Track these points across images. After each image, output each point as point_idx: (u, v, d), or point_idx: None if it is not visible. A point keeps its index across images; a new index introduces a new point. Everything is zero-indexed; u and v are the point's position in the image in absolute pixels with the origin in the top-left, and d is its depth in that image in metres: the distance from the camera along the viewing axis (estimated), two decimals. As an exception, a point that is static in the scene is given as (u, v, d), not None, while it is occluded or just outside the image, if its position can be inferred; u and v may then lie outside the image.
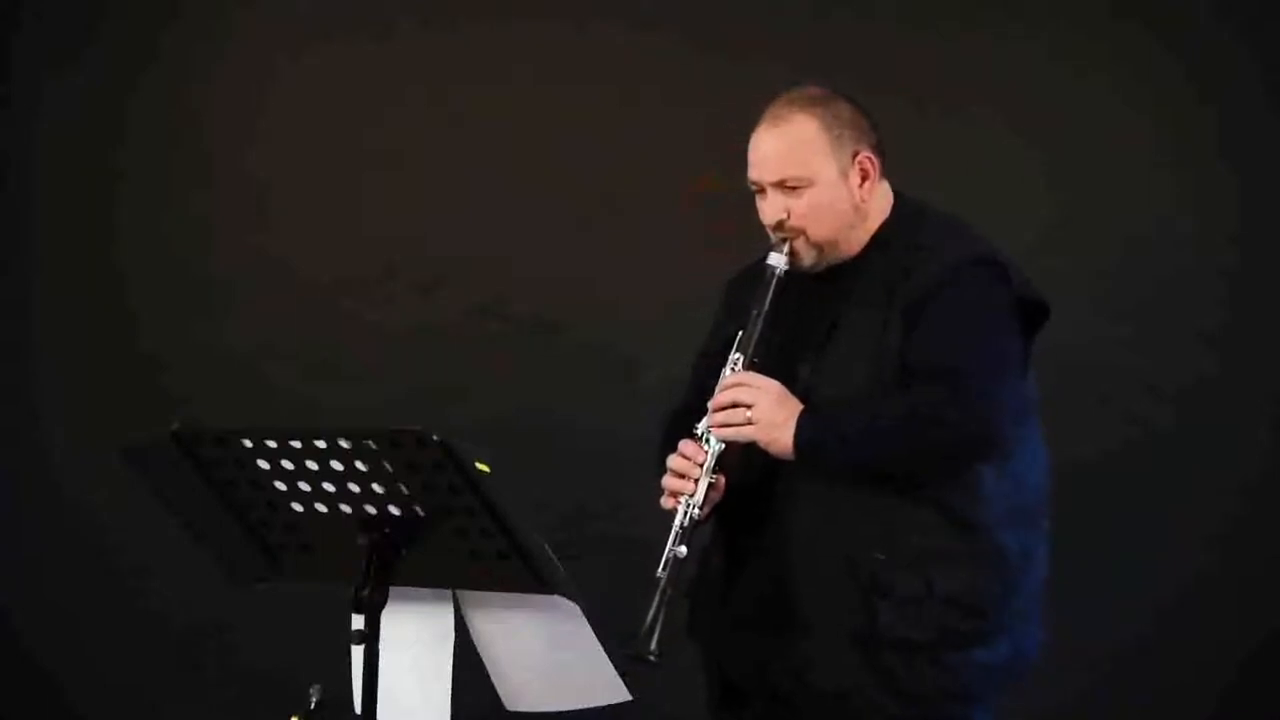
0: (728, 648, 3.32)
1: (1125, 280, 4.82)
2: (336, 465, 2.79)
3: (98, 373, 5.31)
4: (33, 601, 5.29)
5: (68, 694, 5.29)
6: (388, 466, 2.77)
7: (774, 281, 3.25)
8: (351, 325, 5.20)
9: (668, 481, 3.23)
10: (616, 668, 2.95)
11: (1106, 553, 4.64)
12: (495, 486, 2.74)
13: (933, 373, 3.13)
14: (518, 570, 2.82)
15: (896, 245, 3.26)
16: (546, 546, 2.82)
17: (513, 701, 3.04)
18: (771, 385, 3.19)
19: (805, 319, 3.27)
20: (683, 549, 3.16)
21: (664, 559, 3.16)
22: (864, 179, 3.27)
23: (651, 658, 3.08)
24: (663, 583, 3.14)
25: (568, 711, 3.04)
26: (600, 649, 2.93)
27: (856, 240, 3.29)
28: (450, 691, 2.97)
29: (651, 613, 3.11)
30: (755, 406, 3.17)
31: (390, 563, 2.82)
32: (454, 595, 2.98)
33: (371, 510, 2.82)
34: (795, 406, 3.17)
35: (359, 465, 2.78)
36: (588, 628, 2.91)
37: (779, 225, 3.26)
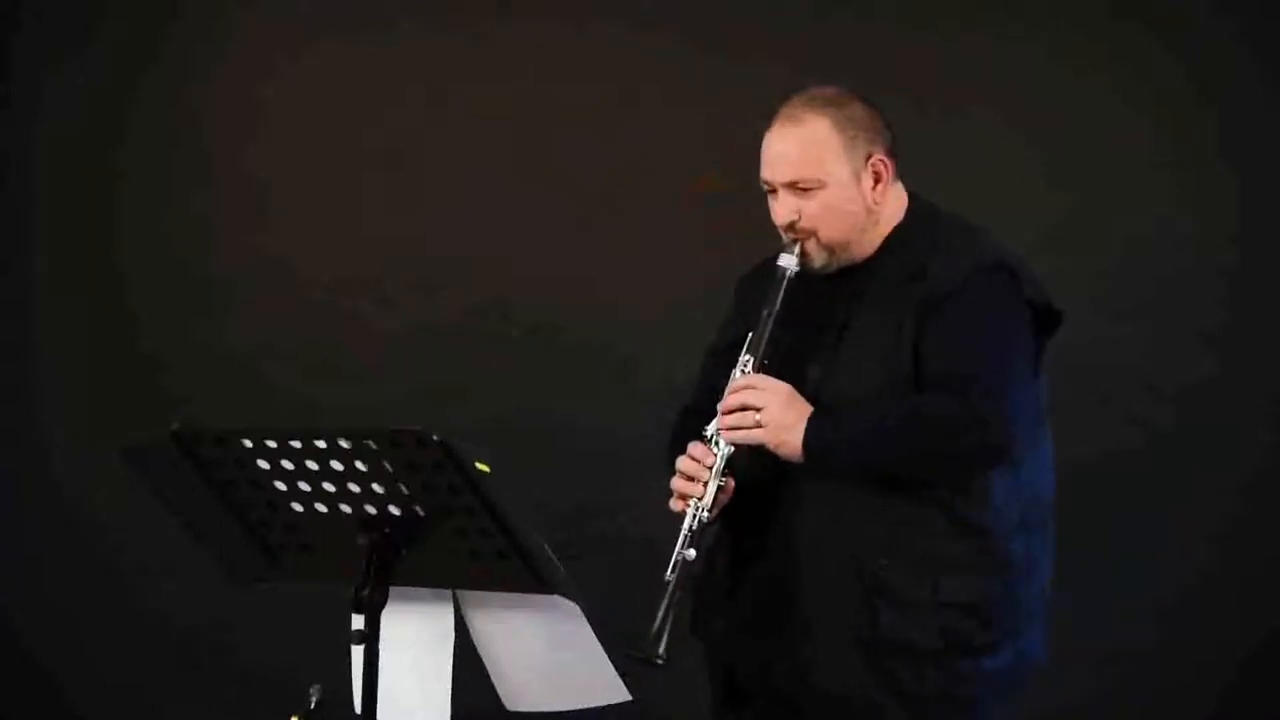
0: (732, 647, 3.32)
1: (1125, 280, 4.82)
2: (336, 465, 2.79)
3: (98, 373, 5.31)
4: (33, 601, 5.29)
5: (68, 694, 5.29)
6: (388, 466, 2.77)
7: (784, 283, 3.24)
8: (351, 325, 5.20)
9: (676, 484, 3.23)
10: (618, 668, 2.95)
11: (1106, 553, 4.64)
12: (495, 486, 2.74)
13: (944, 378, 3.12)
14: (518, 570, 2.82)
15: (910, 248, 3.25)
16: (546, 546, 2.81)
17: (513, 701, 3.04)
18: (781, 388, 3.19)
19: (817, 320, 3.26)
20: (691, 552, 3.16)
21: (672, 561, 3.16)
22: (877, 181, 3.26)
23: (659, 661, 3.08)
24: (671, 585, 3.14)
25: (568, 711, 3.04)
26: (600, 649, 2.93)
27: (869, 242, 3.28)
28: (450, 691, 2.97)
29: (660, 616, 3.11)
30: (765, 409, 3.17)
31: (390, 563, 2.82)
32: (454, 595, 2.98)
33: (371, 510, 2.82)
34: (804, 409, 3.17)
35: (359, 465, 2.78)
36: (588, 628, 2.91)
37: (790, 226, 3.25)
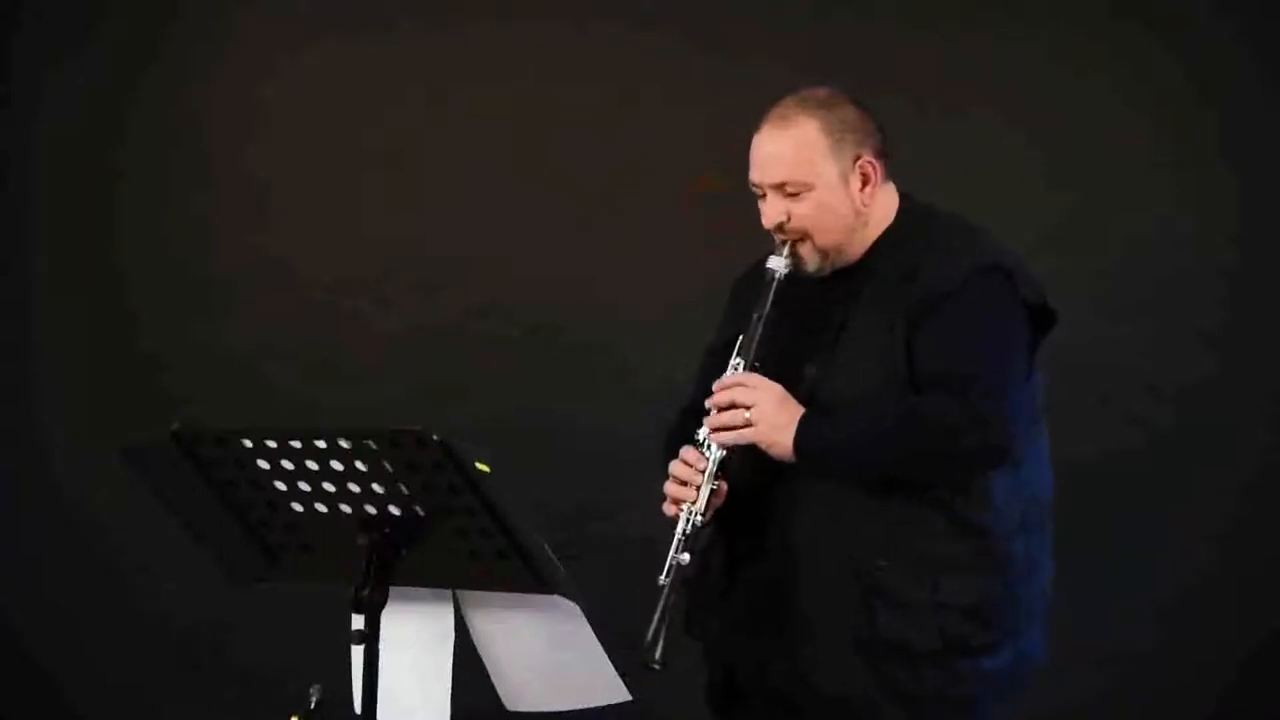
0: (728, 647, 3.31)
1: (1125, 280, 4.82)
2: (336, 465, 2.79)
3: (98, 373, 5.31)
4: (33, 601, 5.29)
5: (68, 694, 5.29)
6: (388, 466, 2.77)
7: (774, 285, 3.24)
8: (351, 325, 5.20)
9: (670, 489, 3.23)
10: (618, 668, 2.95)
11: (1106, 553, 4.64)
12: (495, 486, 2.74)
13: (944, 378, 3.12)
14: (518, 570, 2.82)
15: (906, 248, 3.25)
16: (546, 546, 2.82)
17: (513, 701, 3.04)
18: (772, 387, 3.19)
19: (813, 321, 3.26)
20: (685, 556, 3.16)
21: (667, 566, 3.16)
22: (865, 183, 3.26)
23: (656, 666, 3.08)
24: (666, 590, 3.14)
25: (568, 711, 3.04)
26: (600, 649, 2.93)
27: (860, 243, 3.28)
28: (450, 691, 2.97)
29: (655, 621, 3.10)
30: (755, 407, 3.17)
31: (390, 563, 2.82)
32: (454, 595, 2.98)
33: (371, 510, 2.82)
34: (796, 410, 3.17)
35: (359, 465, 2.78)
36: (588, 628, 2.91)
37: (779, 228, 3.25)
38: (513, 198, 5.09)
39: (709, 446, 3.21)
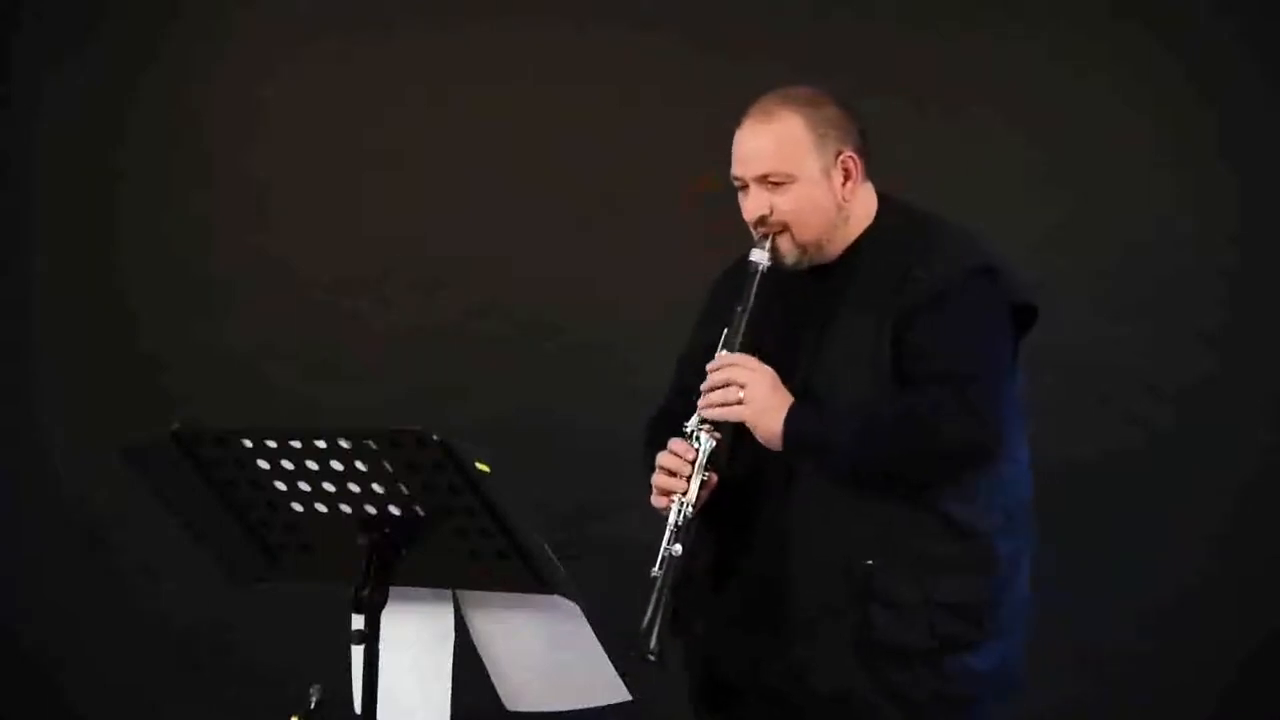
0: (719, 643, 3.30)
1: (1125, 280, 4.82)
2: (336, 465, 2.79)
3: (98, 373, 5.32)
4: (33, 601, 5.29)
5: (68, 694, 5.29)
6: (388, 466, 2.77)
7: (756, 277, 3.25)
8: (351, 325, 5.20)
9: (658, 480, 3.23)
10: (617, 668, 2.95)
11: (1106, 553, 4.65)
12: (495, 486, 2.74)
13: (934, 377, 3.13)
14: (518, 570, 2.82)
15: (890, 248, 3.25)
16: (546, 546, 2.82)
17: (513, 701, 3.04)
18: (767, 371, 3.19)
19: (796, 318, 3.27)
20: (678, 547, 3.15)
21: (660, 558, 3.16)
22: (846, 178, 3.26)
23: (651, 657, 3.08)
24: (659, 582, 3.13)
25: (568, 711, 3.04)
26: (600, 649, 2.93)
27: (841, 240, 3.29)
28: (450, 691, 2.97)
29: (649, 612, 3.10)
30: (748, 387, 3.18)
31: (390, 563, 2.82)
32: (454, 595, 2.98)
33: (371, 510, 2.82)
34: (787, 397, 3.18)
35: (359, 465, 2.78)
36: (588, 628, 2.91)
37: (761, 221, 3.26)
38: (513, 198, 5.09)
39: (697, 438, 3.21)
